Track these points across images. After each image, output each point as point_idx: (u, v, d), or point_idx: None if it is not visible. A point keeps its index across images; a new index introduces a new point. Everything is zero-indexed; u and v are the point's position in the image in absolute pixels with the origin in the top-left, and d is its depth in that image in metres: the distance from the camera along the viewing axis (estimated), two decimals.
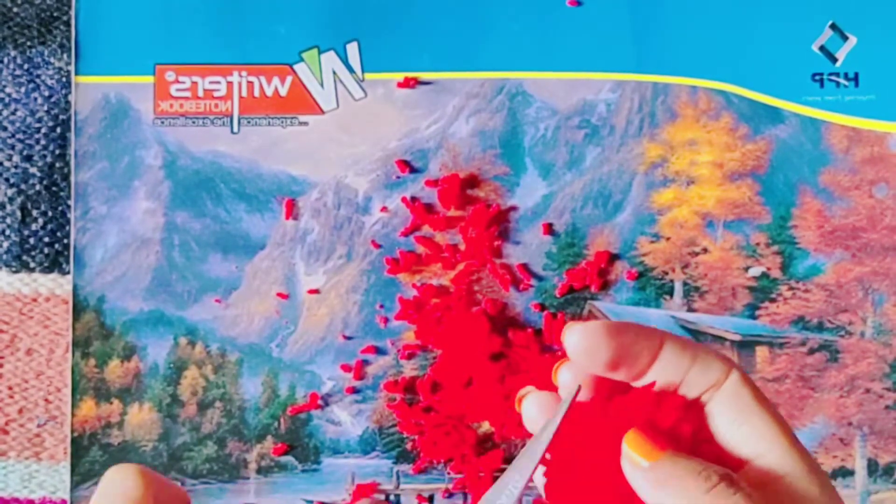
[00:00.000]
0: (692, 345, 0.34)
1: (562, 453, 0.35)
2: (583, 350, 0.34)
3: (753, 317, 0.60)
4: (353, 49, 0.61)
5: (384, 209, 0.61)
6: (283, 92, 0.61)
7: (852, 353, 0.60)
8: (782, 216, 0.60)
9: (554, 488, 0.35)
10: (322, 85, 0.61)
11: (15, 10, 0.63)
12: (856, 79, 0.61)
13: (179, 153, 0.61)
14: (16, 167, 0.62)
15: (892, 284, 0.60)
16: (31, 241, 0.61)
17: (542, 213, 0.61)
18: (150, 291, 0.61)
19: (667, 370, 0.34)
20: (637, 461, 0.32)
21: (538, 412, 0.37)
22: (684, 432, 0.33)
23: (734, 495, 0.31)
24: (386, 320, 0.61)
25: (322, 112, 0.61)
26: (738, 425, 0.33)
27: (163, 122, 0.61)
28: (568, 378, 0.36)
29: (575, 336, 0.34)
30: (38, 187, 0.62)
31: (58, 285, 0.61)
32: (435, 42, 0.61)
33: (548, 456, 0.34)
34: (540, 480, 0.35)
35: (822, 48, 0.61)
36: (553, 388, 0.38)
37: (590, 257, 0.61)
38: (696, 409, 0.34)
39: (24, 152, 0.62)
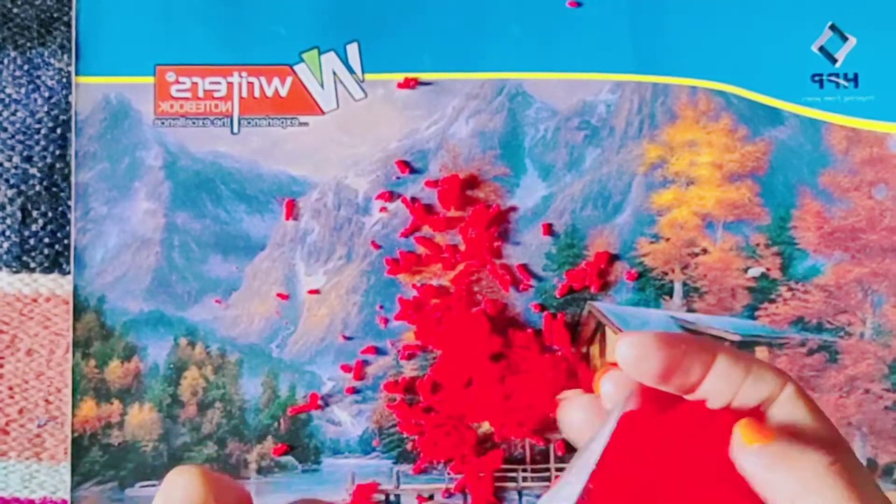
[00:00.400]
0: (746, 357, 0.34)
1: (607, 465, 0.34)
2: (634, 360, 0.33)
3: (753, 317, 0.60)
4: (353, 50, 0.62)
5: (384, 209, 0.61)
6: (283, 92, 0.61)
7: (851, 353, 0.60)
8: (782, 217, 0.61)
9: (599, 501, 0.35)
10: (322, 85, 0.61)
11: (15, 10, 0.63)
12: (855, 79, 0.61)
13: (180, 154, 0.62)
14: (16, 168, 0.62)
15: (892, 285, 0.60)
16: (32, 241, 0.61)
17: (542, 214, 0.61)
18: (150, 292, 0.61)
19: (720, 383, 0.33)
20: (750, 443, 0.32)
21: (582, 417, 0.36)
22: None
23: (851, 471, 0.31)
24: (386, 321, 0.61)
25: (322, 113, 0.61)
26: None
27: (163, 123, 0.61)
28: (610, 388, 0.35)
29: (626, 346, 0.34)
30: (38, 188, 0.62)
31: (58, 286, 0.61)
32: (435, 43, 0.62)
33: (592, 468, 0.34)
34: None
35: (821, 49, 0.61)
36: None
37: (589, 258, 0.61)
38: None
39: (25, 153, 0.62)
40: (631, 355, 0.34)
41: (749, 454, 0.32)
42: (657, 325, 0.60)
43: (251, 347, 0.61)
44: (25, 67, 0.62)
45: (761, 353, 0.60)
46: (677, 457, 0.33)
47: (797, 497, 0.31)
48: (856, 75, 0.61)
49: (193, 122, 0.61)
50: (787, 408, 0.33)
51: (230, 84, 0.61)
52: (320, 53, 0.61)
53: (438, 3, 0.62)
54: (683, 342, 0.34)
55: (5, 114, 0.62)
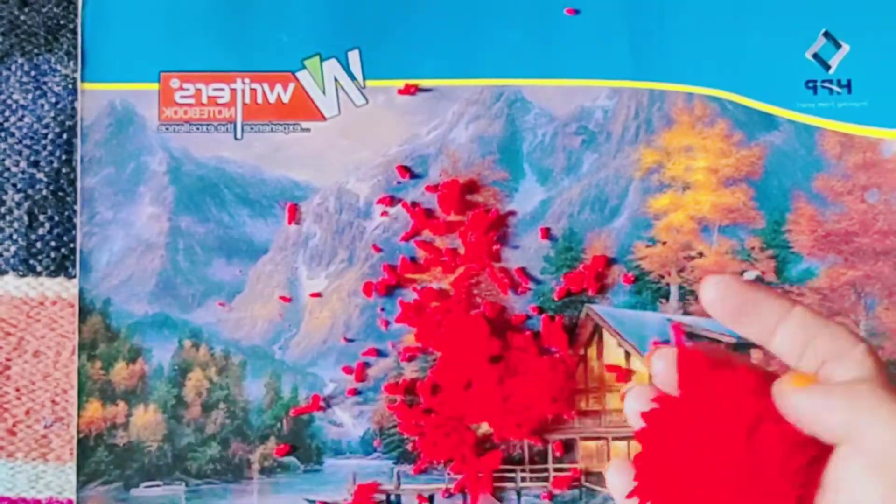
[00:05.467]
0: (824, 317, 0.36)
1: (655, 456, 0.36)
2: (712, 298, 0.36)
3: None
4: (354, 56, 0.62)
5: (384, 214, 0.62)
6: (285, 99, 0.62)
7: None
8: (776, 221, 0.61)
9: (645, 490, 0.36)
10: (324, 92, 0.62)
11: (22, 18, 0.64)
12: (848, 86, 0.61)
13: (184, 159, 0.62)
14: (23, 173, 0.63)
15: (884, 288, 0.61)
16: (38, 245, 0.62)
17: (541, 218, 0.62)
18: (154, 295, 0.62)
19: (795, 333, 0.35)
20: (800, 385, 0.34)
21: (640, 405, 0.39)
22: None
23: None
24: (387, 323, 0.62)
25: (324, 118, 0.62)
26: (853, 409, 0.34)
27: (167, 129, 0.62)
28: (661, 366, 0.38)
29: (709, 286, 0.37)
30: (44, 192, 0.63)
31: (64, 289, 0.62)
32: (435, 50, 0.62)
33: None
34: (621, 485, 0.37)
35: (815, 56, 0.62)
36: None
37: (587, 261, 0.62)
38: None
39: (32, 158, 0.63)
40: (711, 293, 0.36)
41: (799, 394, 0.34)
42: (654, 327, 0.61)
43: (254, 349, 0.62)
44: (32, 74, 0.63)
45: (757, 354, 0.61)
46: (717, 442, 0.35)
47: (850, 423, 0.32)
48: (849, 82, 0.61)
49: (197, 128, 0.62)
50: (854, 365, 0.34)
51: (233, 90, 0.62)
52: (322, 60, 0.62)
53: (438, 11, 0.62)
54: (762, 289, 0.36)
55: (13, 119, 0.63)
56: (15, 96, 0.63)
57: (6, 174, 0.63)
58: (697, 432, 0.35)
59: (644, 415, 0.38)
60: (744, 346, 0.61)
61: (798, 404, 0.34)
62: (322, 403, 0.61)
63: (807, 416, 0.34)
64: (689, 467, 0.35)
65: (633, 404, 0.39)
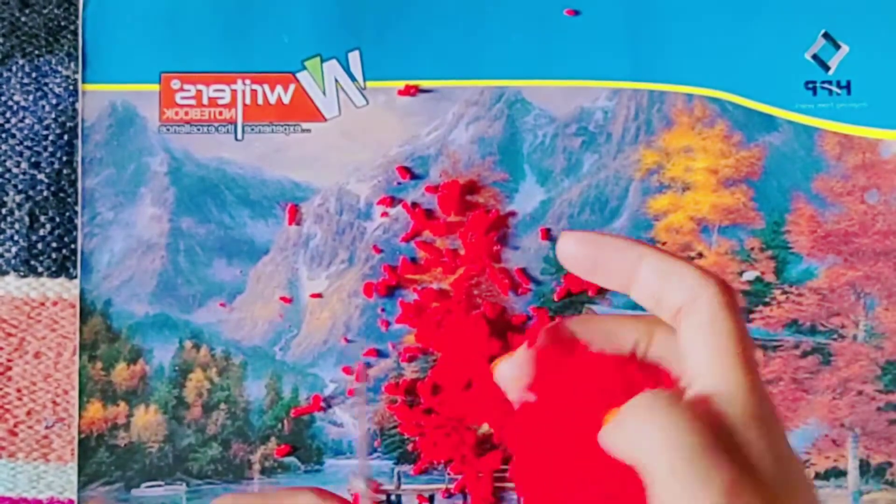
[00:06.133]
0: (672, 261, 0.34)
1: (527, 446, 0.36)
2: (566, 254, 0.36)
3: (748, 320, 0.61)
4: (354, 57, 0.63)
5: (385, 214, 0.62)
6: (286, 100, 0.62)
7: (845, 355, 0.61)
8: (776, 222, 0.62)
9: (523, 479, 0.36)
10: (324, 93, 0.62)
11: (23, 19, 0.64)
12: (848, 87, 0.62)
13: (185, 160, 0.63)
14: (24, 174, 0.63)
15: (884, 288, 0.61)
16: (39, 246, 0.62)
17: (541, 219, 0.62)
18: (155, 295, 0.62)
19: (649, 280, 0.34)
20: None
21: (512, 370, 0.38)
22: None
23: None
24: (387, 324, 0.62)
25: (324, 119, 0.63)
26: (690, 351, 0.33)
27: (168, 130, 0.63)
28: (507, 370, 0.38)
29: (562, 242, 0.36)
30: (45, 193, 0.63)
31: (65, 290, 0.62)
32: (435, 50, 0.63)
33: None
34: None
35: (814, 57, 0.62)
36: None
37: None
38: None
39: (32, 159, 0.63)
40: (564, 250, 0.36)
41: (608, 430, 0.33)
42: None
43: (255, 350, 0.62)
44: (33, 75, 0.63)
45: (756, 355, 0.61)
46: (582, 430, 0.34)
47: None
48: (848, 83, 0.62)
49: (198, 129, 0.63)
50: (697, 318, 0.33)
51: (234, 91, 0.62)
52: (322, 61, 0.63)
53: (439, 12, 0.63)
54: (610, 244, 0.35)
55: (13, 120, 0.63)
56: (16, 98, 0.63)
57: (7, 175, 0.63)
58: (557, 431, 0.35)
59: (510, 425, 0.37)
60: None
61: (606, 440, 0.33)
62: (322, 404, 0.62)
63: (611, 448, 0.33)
64: (557, 465, 0.35)
65: (506, 370, 0.39)
